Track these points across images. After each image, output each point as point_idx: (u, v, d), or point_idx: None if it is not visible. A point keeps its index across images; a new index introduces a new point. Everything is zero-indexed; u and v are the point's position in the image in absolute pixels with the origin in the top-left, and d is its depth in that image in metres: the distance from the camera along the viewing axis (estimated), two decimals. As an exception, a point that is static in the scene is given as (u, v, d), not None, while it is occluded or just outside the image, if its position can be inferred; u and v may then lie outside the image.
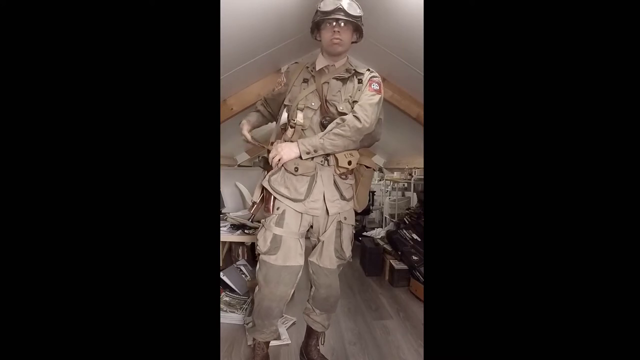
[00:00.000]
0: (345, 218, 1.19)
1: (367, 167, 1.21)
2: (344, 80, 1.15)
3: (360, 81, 1.15)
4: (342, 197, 1.17)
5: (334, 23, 1.08)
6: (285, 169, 1.12)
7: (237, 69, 1.79)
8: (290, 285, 1.15)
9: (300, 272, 1.17)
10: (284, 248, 1.12)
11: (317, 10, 1.11)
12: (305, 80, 1.16)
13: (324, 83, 1.14)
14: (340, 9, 1.06)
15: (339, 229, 1.19)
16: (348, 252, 1.22)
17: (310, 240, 1.25)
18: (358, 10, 1.10)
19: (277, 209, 1.13)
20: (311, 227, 1.19)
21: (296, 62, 1.24)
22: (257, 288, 1.18)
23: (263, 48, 1.75)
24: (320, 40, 1.16)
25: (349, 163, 1.14)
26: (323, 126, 1.12)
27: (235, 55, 1.68)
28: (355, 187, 1.22)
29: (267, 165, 1.17)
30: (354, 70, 1.18)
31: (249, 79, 2.04)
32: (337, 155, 1.13)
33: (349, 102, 1.13)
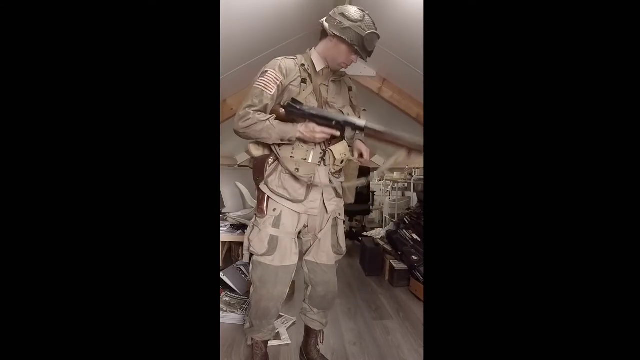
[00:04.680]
0: (339, 214, 1.24)
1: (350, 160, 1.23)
2: (339, 83, 1.20)
3: (350, 89, 1.22)
4: (337, 195, 1.21)
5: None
6: (283, 169, 1.12)
7: (237, 69, 1.79)
8: (287, 285, 1.17)
9: (294, 270, 1.18)
10: (280, 249, 1.12)
11: (347, 18, 1.03)
12: (304, 81, 1.14)
13: (321, 85, 1.14)
14: (375, 35, 1.05)
15: (335, 225, 1.22)
16: (344, 246, 1.26)
17: (303, 240, 1.25)
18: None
19: (274, 210, 1.12)
20: (304, 226, 1.20)
21: (286, 58, 1.16)
22: (252, 289, 1.18)
23: (263, 48, 1.75)
24: (326, 37, 1.10)
25: (342, 162, 1.15)
26: None
27: (235, 55, 1.68)
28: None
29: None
30: (345, 73, 1.22)
31: (249, 79, 2.04)
32: (334, 153, 1.12)
33: (350, 105, 1.18)
